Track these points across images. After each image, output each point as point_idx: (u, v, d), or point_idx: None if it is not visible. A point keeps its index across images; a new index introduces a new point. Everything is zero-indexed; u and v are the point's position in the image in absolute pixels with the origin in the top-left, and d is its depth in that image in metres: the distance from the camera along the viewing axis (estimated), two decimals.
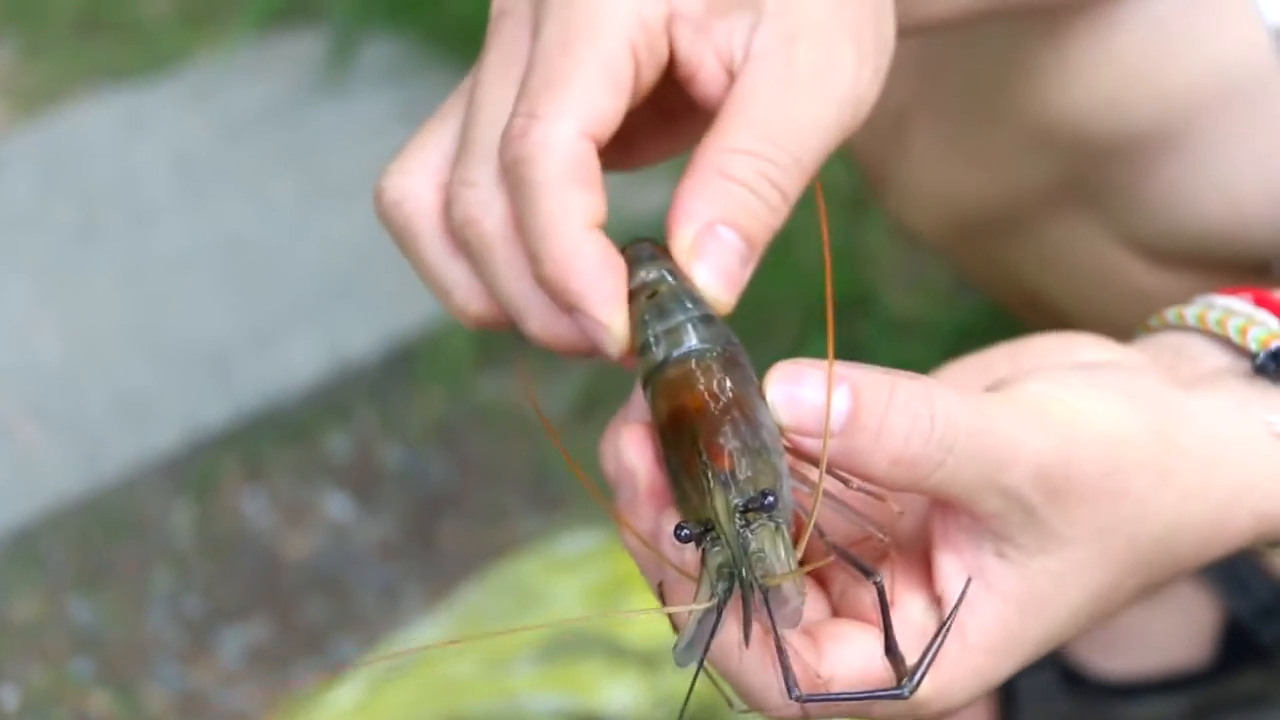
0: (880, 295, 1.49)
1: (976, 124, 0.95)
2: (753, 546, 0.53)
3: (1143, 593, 0.59)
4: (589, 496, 1.39)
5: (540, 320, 0.59)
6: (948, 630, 0.56)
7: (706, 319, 0.58)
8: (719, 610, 0.53)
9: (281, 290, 1.53)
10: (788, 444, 0.55)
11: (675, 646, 0.55)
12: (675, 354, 0.57)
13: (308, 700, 1.15)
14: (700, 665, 0.55)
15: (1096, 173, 0.92)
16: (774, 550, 0.53)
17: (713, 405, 0.55)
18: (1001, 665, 0.57)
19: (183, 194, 1.60)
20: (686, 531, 0.54)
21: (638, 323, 0.58)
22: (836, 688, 0.55)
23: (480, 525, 1.39)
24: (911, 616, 0.57)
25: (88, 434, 1.44)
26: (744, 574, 0.53)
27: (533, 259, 0.57)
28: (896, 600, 0.57)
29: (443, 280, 0.61)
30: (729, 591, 0.53)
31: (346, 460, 1.44)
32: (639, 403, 0.58)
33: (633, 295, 0.58)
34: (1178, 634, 1.21)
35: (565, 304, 0.57)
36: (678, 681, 1.14)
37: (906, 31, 0.69)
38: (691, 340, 0.57)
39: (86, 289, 1.53)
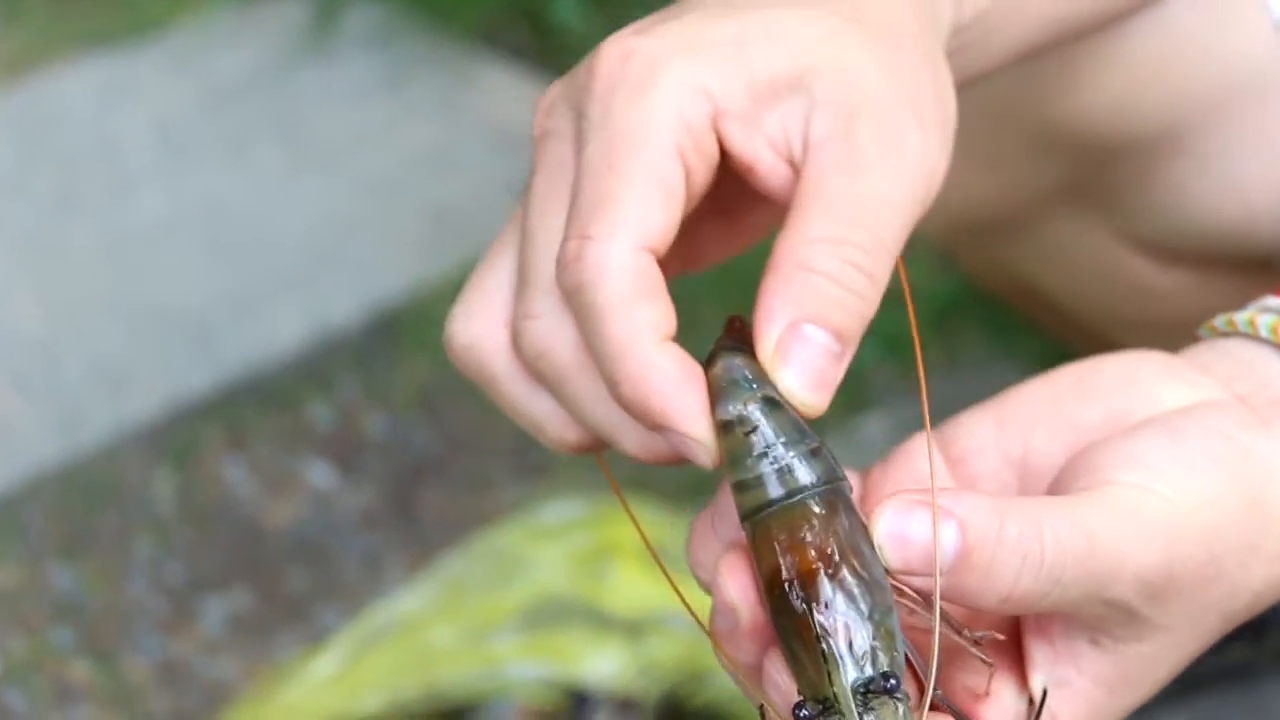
0: None
1: (983, 128, 0.94)
2: None
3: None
4: (574, 467, 1.39)
5: (633, 441, 0.57)
6: (1040, 713, 0.55)
7: (811, 454, 0.55)
8: None
9: (264, 258, 1.53)
10: (894, 583, 0.54)
11: None
12: (775, 497, 0.55)
13: (286, 670, 1.14)
14: None
15: (1103, 174, 0.91)
16: None
17: (825, 567, 0.53)
18: None
19: (164, 161, 1.59)
20: (807, 713, 0.53)
21: (733, 458, 0.56)
22: None
23: (463, 494, 1.39)
24: (1004, 704, 0.56)
25: (68, 402, 1.43)
26: None
27: (609, 383, 0.55)
28: (991, 689, 0.56)
29: (531, 417, 0.60)
30: None
31: (329, 429, 1.43)
32: (728, 516, 0.57)
33: (728, 427, 0.56)
34: None
35: (650, 424, 0.55)
36: (661, 650, 1.14)
37: (970, 84, 0.67)
38: (796, 480, 0.55)
39: (66, 257, 1.53)
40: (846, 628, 0.52)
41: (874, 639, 0.53)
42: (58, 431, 1.41)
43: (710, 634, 0.56)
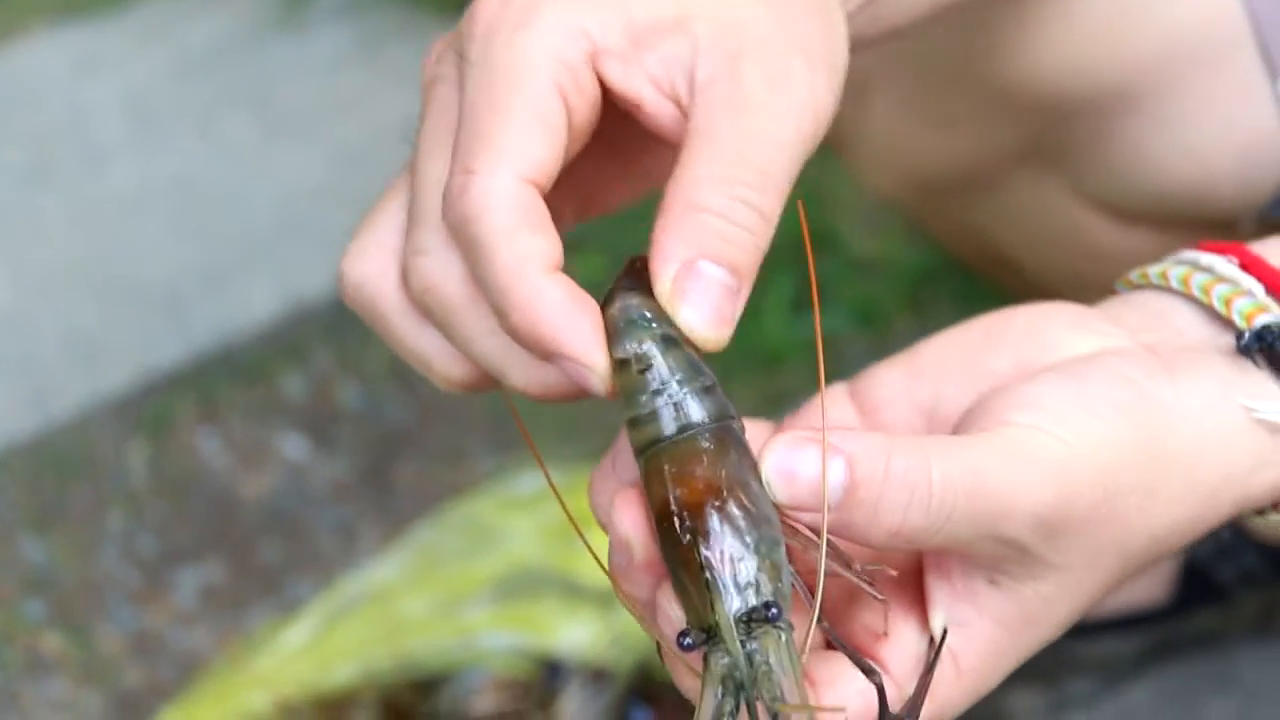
0: (841, 235, 1.49)
1: (938, 88, 0.95)
2: (758, 659, 0.53)
3: (1124, 583, 0.60)
4: (546, 438, 1.39)
5: (522, 373, 0.58)
6: (933, 670, 0.56)
7: (704, 391, 0.56)
8: None
9: (236, 230, 1.53)
10: (783, 518, 0.54)
11: None
12: (668, 434, 0.55)
13: (258, 640, 1.14)
14: None
15: (1059, 134, 0.91)
16: (779, 664, 0.53)
17: (712, 499, 0.54)
18: (991, 680, 0.58)
19: (135, 133, 1.59)
20: (689, 641, 0.53)
21: (628, 394, 0.56)
22: None
23: (437, 465, 1.39)
24: (905, 642, 0.57)
25: (39, 374, 1.43)
26: (749, 693, 0.52)
27: (498, 314, 0.56)
28: (891, 629, 0.57)
29: (419, 353, 0.60)
30: (736, 706, 0.53)
31: (302, 400, 1.43)
32: (626, 454, 0.57)
33: (623, 365, 0.57)
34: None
35: (541, 352, 0.55)
36: (633, 621, 1.14)
37: (877, 40, 0.68)
38: (687, 416, 0.56)
39: (37, 229, 1.52)
40: (731, 559, 0.53)
41: (759, 570, 0.53)
42: (29, 403, 1.41)
43: (608, 572, 0.56)
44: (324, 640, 1.13)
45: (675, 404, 0.56)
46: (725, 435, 0.56)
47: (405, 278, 0.59)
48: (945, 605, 0.56)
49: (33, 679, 1.27)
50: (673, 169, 0.57)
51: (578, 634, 1.14)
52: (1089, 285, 0.66)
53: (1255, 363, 0.60)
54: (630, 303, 0.57)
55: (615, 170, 0.63)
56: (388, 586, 1.17)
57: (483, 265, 0.55)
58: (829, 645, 0.57)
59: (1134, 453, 0.57)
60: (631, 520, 0.55)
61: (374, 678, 1.12)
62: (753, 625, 0.53)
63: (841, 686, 0.55)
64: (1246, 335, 0.60)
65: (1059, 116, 0.89)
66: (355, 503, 1.37)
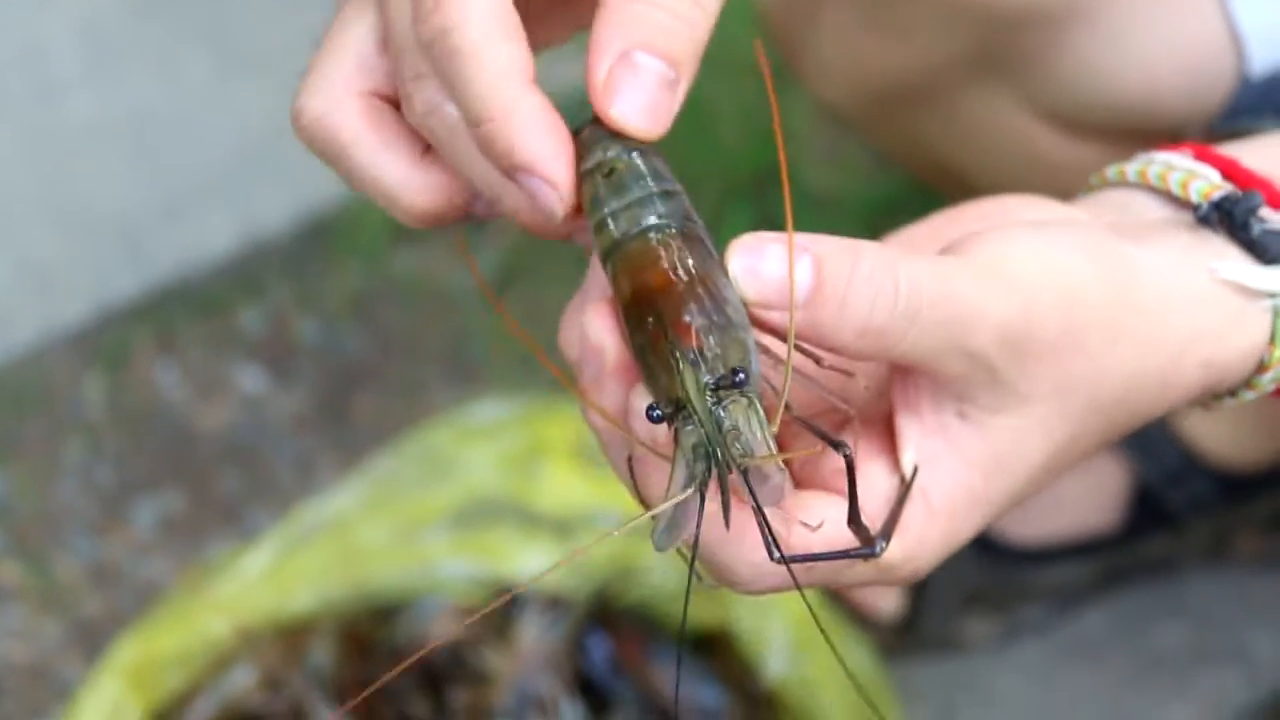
0: (800, 169, 1.49)
1: None
2: (727, 424, 0.53)
3: (1100, 446, 0.60)
4: (506, 369, 1.39)
5: (516, 200, 0.58)
6: (908, 495, 0.56)
7: (666, 195, 0.57)
8: (701, 494, 0.53)
9: (193, 163, 1.52)
10: (753, 318, 0.54)
11: (654, 531, 0.54)
12: (634, 230, 0.56)
13: (217, 568, 1.14)
14: (694, 552, 0.54)
15: (1009, 45, 0.91)
16: (748, 426, 0.53)
17: (676, 282, 0.54)
18: (966, 525, 0.57)
19: (91, 65, 1.58)
20: (658, 412, 0.53)
21: (594, 200, 0.57)
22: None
23: (396, 398, 1.39)
24: (875, 482, 0.57)
25: None
26: (720, 453, 0.52)
27: (471, 122, 0.55)
28: (860, 467, 0.56)
29: (383, 184, 0.60)
30: (708, 472, 0.53)
31: (260, 334, 1.43)
32: (599, 280, 0.58)
33: (589, 174, 0.57)
34: (1089, 499, 1.23)
35: (508, 164, 0.55)
36: (591, 549, 1.14)
37: None
38: (651, 216, 0.56)
39: None
40: (697, 333, 0.53)
41: (725, 344, 0.54)
42: None
43: (579, 391, 0.57)
44: (283, 568, 1.13)
45: (638, 205, 0.56)
46: (689, 234, 0.56)
47: (405, 104, 0.58)
48: (915, 441, 0.56)
49: None
50: None
51: (535, 562, 1.14)
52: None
53: (1214, 230, 0.60)
54: (599, 129, 0.58)
55: (555, 4, 0.63)
56: (346, 515, 1.17)
57: (461, 75, 0.55)
58: (798, 483, 0.57)
59: (1100, 290, 0.57)
60: (602, 324, 0.55)
61: (333, 606, 1.12)
62: (721, 394, 0.53)
63: (817, 512, 0.55)
64: (1204, 206, 0.61)
65: (1009, 26, 0.89)
66: (313, 435, 1.37)
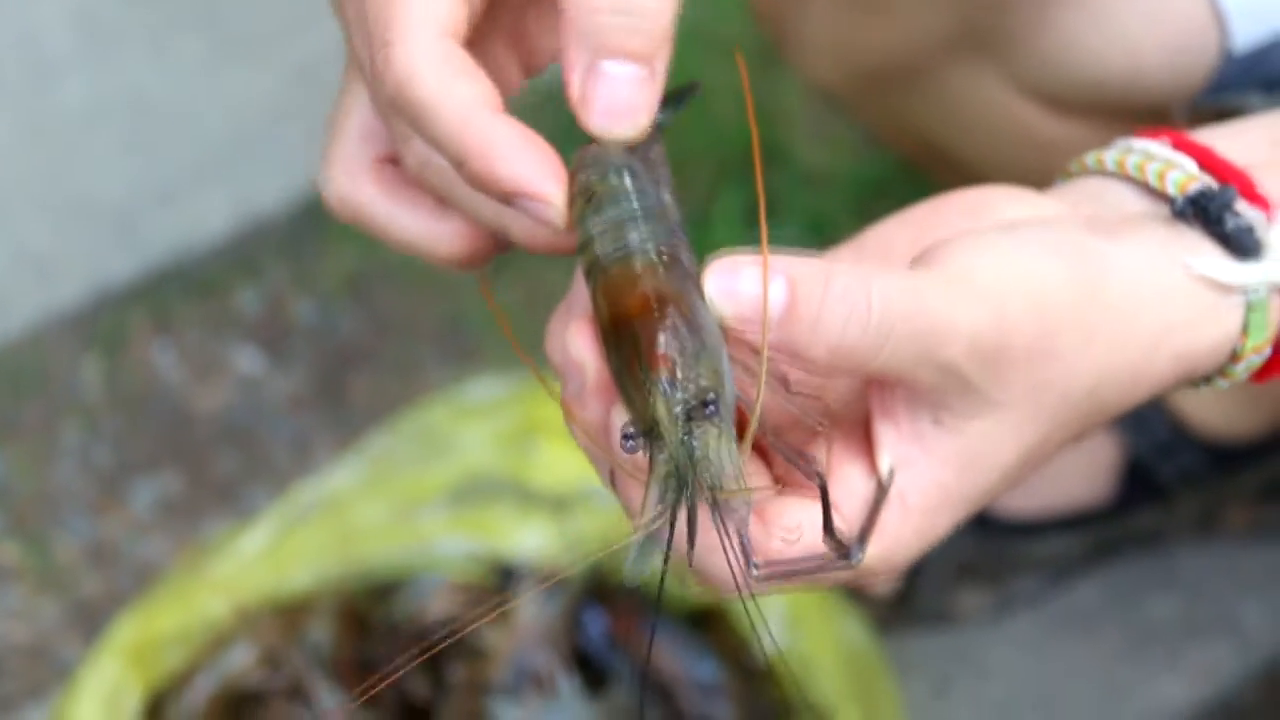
0: (792, 149, 1.50)
1: None
2: (697, 453, 0.54)
3: (1072, 440, 0.61)
4: (501, 348, 1.40)
5: (521, 226, 0.59)
6: (884, 501, 0.57)
7: (649, 214, 0.58)
8: (671, 522, 0.54)
9: (189, 146, 1.52)
10: (729, 336, 0.56)
11: (628, 559, 0.55)
12: (615, 251, 0.57)
13: (215, 547, 1.15)
14: (663, 574, 0.55)
15: (994, 22, 0.92)
16: (718, 455, 0.54)
17: (652, 308, 0.55)
18: (940, 523, 0.58)
19: (86, 50, 1.58)
20: (631, 440, 0.55)
21: (578, 219, 0.58)
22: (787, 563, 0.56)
23: (391, 378, 1.40)
24: (853, 485, 0.58)
25: None
26: (689, 482, 0.54)
27: (456, 165, 0.57)
28: (838, 471, 0.58)
29: (413, 242, 0.62)
30: (678, 499, 0.54)
31: (257, 315, 1.44)
32: (581, 294, 0.59)
33: (576, 195, 0.58)
34: (1080, 473, 1.23)
35: (500, 193, 0.56)
36: (586, 525, 1.15)
37: None
38: (632, 238, 0.57)
39: None
40: (669, 358, 0.55)
41: (698, 371, 0.55)
42: None
43: (562, 404, 0.58)
44: (280, 547, 1.14)
45: (620, 226, 0.57)
46: (669, 254, 0.57)
47: (404, 164, 0.60)
48: (891, 447, 0.57)
49: None
50: None
51: (531, 539, 1.15)
52: (1027, 177, 0.67)
53: (1190, 225, 0.61)
54: (593, 147, 0.59)
55: (523, 50, 0.64)
56: (343, 494, 1.17)
57: (430, 125, 0.56)
58: (778, 481, 0.58)
59: (1071, 292, 0.58)
60: (583, 343, 0.57)
61: (330, 584, 1.13)
62: (693, 421, 0.54)
63: (796, 518, 0.57)
64: (1180, 201, 0.61)
65: (993, 4, 0.90)
66: (310, 415, 1.38)
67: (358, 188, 0.62)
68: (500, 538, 1.15)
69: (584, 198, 0.58)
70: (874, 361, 0.55)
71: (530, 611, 1.13)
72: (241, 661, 1.11)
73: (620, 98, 0.56)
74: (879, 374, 0.56)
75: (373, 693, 1.10)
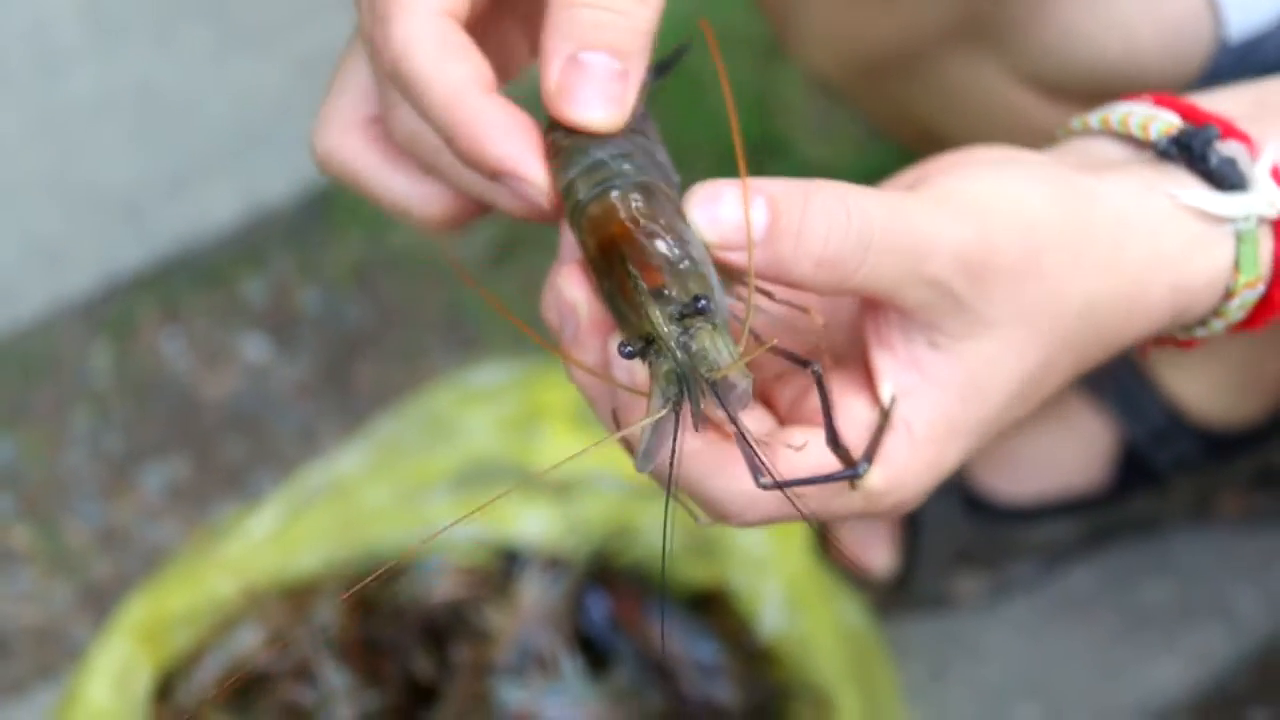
0: (793, 142, 1.51)
1: None
2: (694, 347, 0.55)
3: (1076, 371, 0.61)
4: (504, 336, 1.41)
5: (506, 196, 0.60)
6: (889, 421, 0.57)
7: (624, 156, 0.59)
8: (676, 412, 0.55)
9: (196, 136, 1.53)
10: (717, 261, 0.57)
11: (635, 456, 0.56)
12: (593, 190, 0.58)
13: (223, 530, 1.16)
14: (670, 474, 0.56)
15: (992, 11, 0.93)
16: (714, 347, 0.55)
17: (636, 229, 0.56)
18: (949, 452, 0.59)
19: (94, 40, 1.59)
20: (629, 348, 0.55)
21: (562, 171, 0.59)
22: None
23: (396, 365, 1.41)
24: (856, 416, 0.58)
25: (4, 278, 1.44)
26: (688, 371, 0.54)
27: (446, 141, 0.58)
28: (840, 404, 0.58)
29: (396, 202, 0.63)
30: (680, 393, 0.55)
31: (264, 304, 1.44)
32: (570, 245, 0.60)
33: (557, 149, 0.59)
34: (1076, 459, 1.24)
35: (486, 170, 0.58)
36: (590, 510, 1.16)
37: None
38: (609, 176, 0.58)
39: None
40: (659, 270, 0.56)
41: (687, 277, 0.56)
42: None
43: (561, 352, 0.59)
44: (288, 530, 1.15)
45: (596, 166, 0.59)
46: (648, 186, 0.58)
47: (391, 133, 0.62)
48: (891, 374, 0.58)
49: (2, 571, 1.29)
50: None
51: (535, 523, 1.16)
52: None
53: (1175, 164, 0.62)
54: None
55: (533, 29, 0.65)
56: (349, 478, 1.18)
57: (421, 99, 0.58)
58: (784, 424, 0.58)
59: (1057, 214, 0.58)
60: (574, 282, 0.58)
61: (337, 566, 1.14)
62: (686, 322, 0.55)
63: (797, 436, 0.57)
64: (1164, 142, 0.62)
65: None
66: (316, 402, 1.38)
67: (346, 142, 0.63)
68: (504, 522, 1.16)
69: (557, 152, 0.59)
70: (857, 273, 0.56)
71: (533, 594, 1.14)
72: (249, 642, 1.12)
73: (598, 86, 0.58)
74: (864, 290, 0.57)
75: (374, 665, 1.11)
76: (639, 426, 0.55)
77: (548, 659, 1.11)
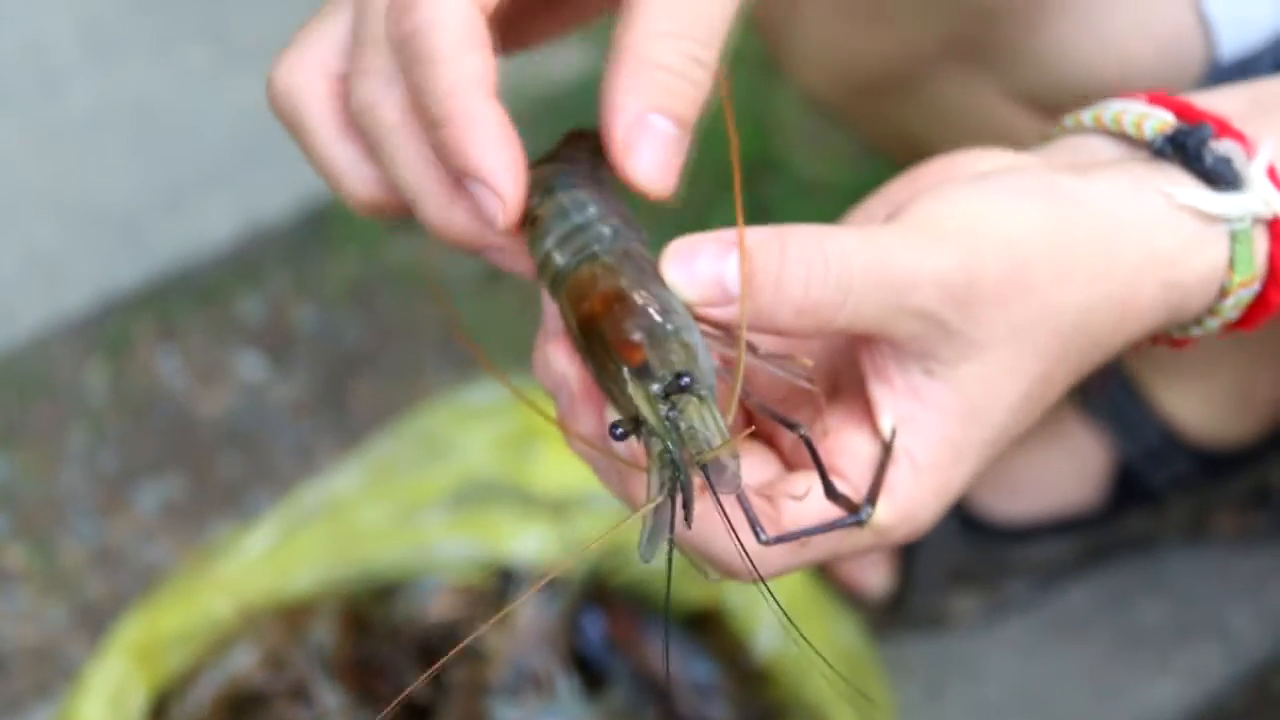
0: (789, 158, 1.51)
1: None
2: (683, 425, 0.54)
3: (1073, 379, 0.60)
4: (501, 354, 1.41)
5: (435, 206, 0.60)
6: (890, 457, 0.57)
7: (595, 222, 0.59)
8: (671, 499, 0.54)
9: (193, 154, 1.53)
10: (699, 319, 0.56)
11: (639, 545, 0.56)
12: (570, 261, 0.58)
13: (219, 549, 1.16)
14: (670, 557, 0.56)
15: (986, 31, 0.93)
16: (702, 423, 0.54)
17: (611, 303, 0.56)
18: (954, 477, 0.58)
19: (92, 58, 1.59)
20: (620, 430, 0.55)
21: (534, 240, 0.59)
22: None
23: (392, 383, 1.41)
24: (858, 451, 0.58)
25: (0, 296, 1.44)
26: (679, 455, 0.54)
27: (432, 125, 0.57)
28: (842, 439, 0.58)
29: (332, 166, 0.62)
30: (674, 477, 0.54)
31: (260, 321, 1.45)
32: (554, 314, 0.60)
33: (534, 219, 0.60)
34: (1071, 478, 1.24)
35: (461, 169, 0.57)
36: (586, 529, 1.16)
37: None
38: (585, 245, 0.58)
39: None
40: (638, 348, 0.56)
41: (670, 351, 0.56)
42: None
43: (559, 423, 0.59)
44: (283, 548, 1.14)
45: (569, 239, 0.59)
46: (625, 252, 0.58)
47: (348, 95, 0.61)
48: (890, 406, 0.58)
49: None
50: (622, 18, 0.59)
51: (531, 542, 1.16)
52: None
53: (1169, 162, 0.61)
54: (550, 165, 0.61)
55: (543, 8, 0.65)
56: (345, 497, 1.18)
57: (427, 78, 0.57)
58: (789, 469, 0.58)
59: (1042, 227, 0.58)
60: (561, 357, 0.58)
61: (332, 585, 1.14)
62: (672, 398, 0.55)
63: (797, 485, 0.57)
64: (1159, 140, 0.62)
65: (985, 11, 0.91)
66: (312, 420, 1.38)
67: (308, 89, 0.62)
68: (501, 541, 1.16)
69: (532, 221, 0.59)
70: (839, 316, 0.55)
71: (529, 613, 1.14)
72: (245, 662, 1.12)
73: (660, 151, 0.57)
74: (851, 329, 0.56)
75: (368, 686, 1.11)
76: (640, 513, 0.55)
77: (543, 679, 1.11)
